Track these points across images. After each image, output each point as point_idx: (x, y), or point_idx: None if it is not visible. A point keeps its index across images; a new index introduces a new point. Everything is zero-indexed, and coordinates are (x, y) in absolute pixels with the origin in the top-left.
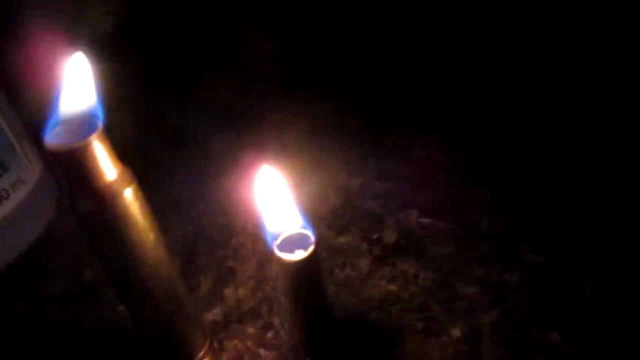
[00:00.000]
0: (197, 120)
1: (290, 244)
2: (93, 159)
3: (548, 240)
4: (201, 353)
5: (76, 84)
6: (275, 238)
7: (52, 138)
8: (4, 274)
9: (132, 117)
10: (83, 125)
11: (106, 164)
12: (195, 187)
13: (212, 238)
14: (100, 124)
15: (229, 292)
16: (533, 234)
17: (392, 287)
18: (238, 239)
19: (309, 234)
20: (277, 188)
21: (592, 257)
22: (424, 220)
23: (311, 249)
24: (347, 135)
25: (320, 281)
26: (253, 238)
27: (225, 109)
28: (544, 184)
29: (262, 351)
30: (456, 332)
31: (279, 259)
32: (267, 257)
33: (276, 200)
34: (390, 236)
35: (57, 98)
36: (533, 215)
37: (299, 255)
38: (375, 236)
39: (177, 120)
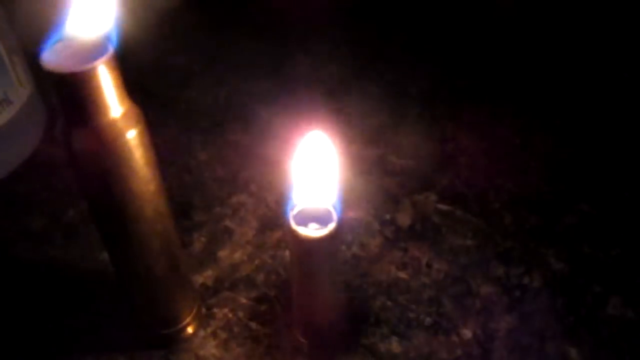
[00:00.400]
0: (210, 62)
1: (309, 216)
2: (97, 89)
3: (575, 247)
4: (188, 319)
5: None
6: (294, 207)
7: (52, 56)
8: None
9: (149, 49)
10: (91, 47)
11: (112, 98)
12: (198, 133)
13: (211, 193)
14: (111, 49)
15: (223, 254)
16: (560, 238)
17: (402, 275)
18: (239, 198)
19: (333, 211)
20: (323, 157)
21: (621, 271)
22: (443, 207)
23: (331, 227)
24: (365, 101)
25: (333, 264)
26: (256, 198)
27: (239, 57)
28: (578, 184)
29: (253, 324)
30: (467, 333)
31: (293, 231)
32: (270, 221)
33: (316, 168)
34: (404, 219)
35: (65, 11)
36: (562, 217)
37: (314, 231)
38: (388, 216)
39: (190, 60)
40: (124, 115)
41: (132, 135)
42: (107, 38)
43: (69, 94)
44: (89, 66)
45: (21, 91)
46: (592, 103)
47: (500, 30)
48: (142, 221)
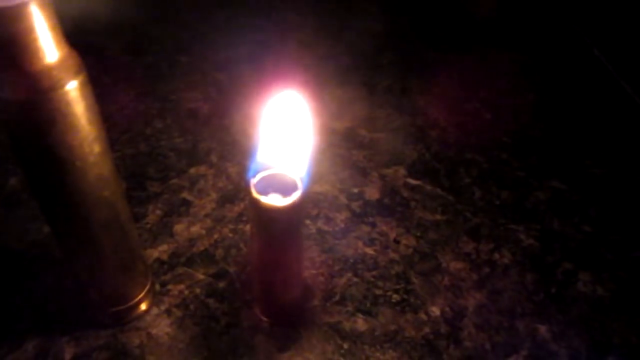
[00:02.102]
0: (171, 26)
1: (272, 184)
2: (28, 29)
3: (546, 223)
4: (140, 296)
5: None
6: (257, 173)
7: None
8: None
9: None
10: None
11: (46, 41)
12: (155, 99)
13: (168, 163)
14: None
15: (180, 228)
16: (530, 214)
17: (369, 250)
18: (198, 169)
19: (298, 180)
20: (295, 118)
21: (592, 248)
22: (412, 181)
23: (295, 196)
24: (334, 71)
25: (296, 236)
26: (217, 169)
27: (202, 23)
28: (549, 159)
29: (211, 302)
30: (435, 310)
31: (254, 200)
32: (231, 194)
33: (284, 132)
34: (372, 192)
35: None
36: (532, 192)
37: (276, 199)
38: (356, 190)
39: (148, 22)
40: (61, 62)
41: (71, 86)
42: None
43: None
44: (18, 1)
45: None
46: (564, 78)
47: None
48: (84, 187)
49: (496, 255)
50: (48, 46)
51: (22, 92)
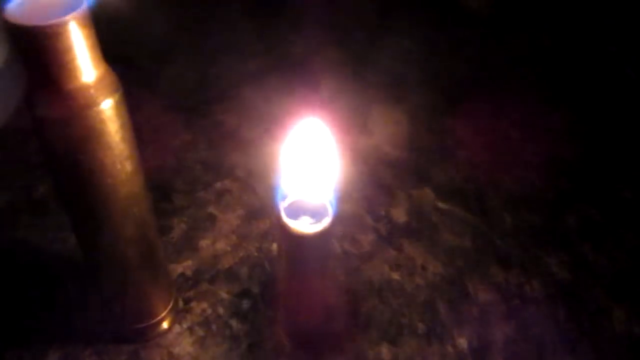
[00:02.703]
0: (201, 37)
1: (301, 209)
2: (67, 48)
3: (578, 251)
4: (163, 313)
5: None
6: (285, 198)
7: (17, 8)
8: None
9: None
10: (63, 1)
11: (84, 60)
12: (183, 112)
13: (194, 176)
14: (85, 4)
15: (205, 243)
16: (562, 241)
17: (396, 275)
18: (224, 183)
19: (328, 205)
20: (318, 145)
21: (628, 284)
22: (441, 204)
23: (325, 223)
24: (361, 88)
25: (325, 262)
26: (243, 184)
27: (231, 34)
28: (580, 180)
29: (233, 322)
30: (462, 342)
31: (284, 225)
32: (257, 210)
33: (310, 157)
34: (399, 214)
35: None
36: (563, 217)
37: (307, 226)
38: (382, 211)
39: (178, 33)
40: (98, 80)
41: (107, 105)
42: None
43: (34, 52)
44: (57, 21)
45: None
46: (597, 100)
47: (502, 21)
48: (114, 203)
49: (527, 287)
50: (85, 65)
51: (58, 110)
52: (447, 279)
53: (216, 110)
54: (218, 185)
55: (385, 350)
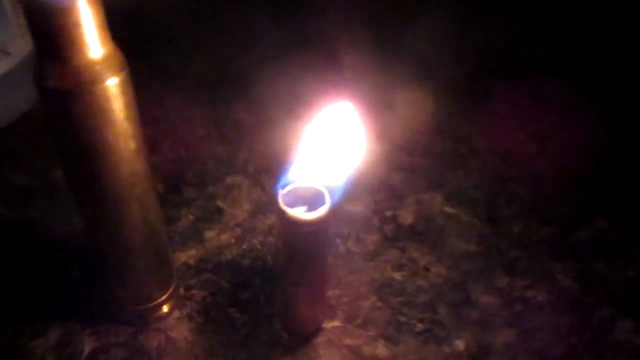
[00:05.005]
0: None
1: (302, 198)
2: (76, 23)
3: (586, 264)
4: (163, 297)
5: None
6: (288, 184)
7: None
8: None
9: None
10: None
11: (92, 37)
12: (199, 106)
13: (206, 170)
14: None
15: (210, 235)
16: (571, 253)
17: (397, 276)
18: (234, 178)
19: (327, 194)
20: (341, 132)
21: (634, 294)
22: (449, 209)
23: (321, 211)
24: (376, 93)
25: (321, 252)
26: (252, 180)
27: (250, 33)
28: (595, 194)
29: (233, 312)
30: (460, 344)
31: (280, 211)
32: (263, 206)
33: (327, 145)
34: (406, 217)
35: None
36: (575, 231)
37: (302, 212)
38: (389, 213)
39: (197, 32)
40: (105, 58)
41: (112, 82)
42: None
43: (44, 28)
44: None
45: (22, 44)
46: (616, 112)
47: (522, 31)
48: (117, 182)
49: (530, 293)
50: (93, 42)
51: (65, 82)
52: (450, 282)
53: (233, 107)
54: (228, 180)
55: (381, 346)
